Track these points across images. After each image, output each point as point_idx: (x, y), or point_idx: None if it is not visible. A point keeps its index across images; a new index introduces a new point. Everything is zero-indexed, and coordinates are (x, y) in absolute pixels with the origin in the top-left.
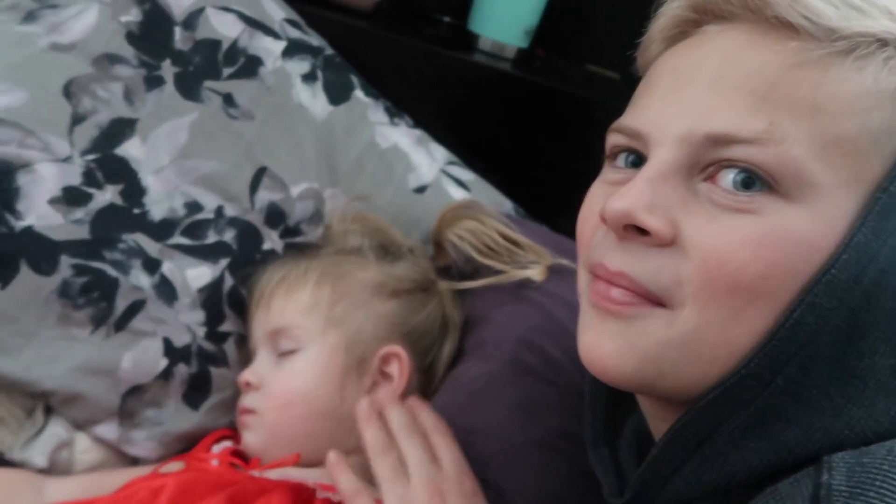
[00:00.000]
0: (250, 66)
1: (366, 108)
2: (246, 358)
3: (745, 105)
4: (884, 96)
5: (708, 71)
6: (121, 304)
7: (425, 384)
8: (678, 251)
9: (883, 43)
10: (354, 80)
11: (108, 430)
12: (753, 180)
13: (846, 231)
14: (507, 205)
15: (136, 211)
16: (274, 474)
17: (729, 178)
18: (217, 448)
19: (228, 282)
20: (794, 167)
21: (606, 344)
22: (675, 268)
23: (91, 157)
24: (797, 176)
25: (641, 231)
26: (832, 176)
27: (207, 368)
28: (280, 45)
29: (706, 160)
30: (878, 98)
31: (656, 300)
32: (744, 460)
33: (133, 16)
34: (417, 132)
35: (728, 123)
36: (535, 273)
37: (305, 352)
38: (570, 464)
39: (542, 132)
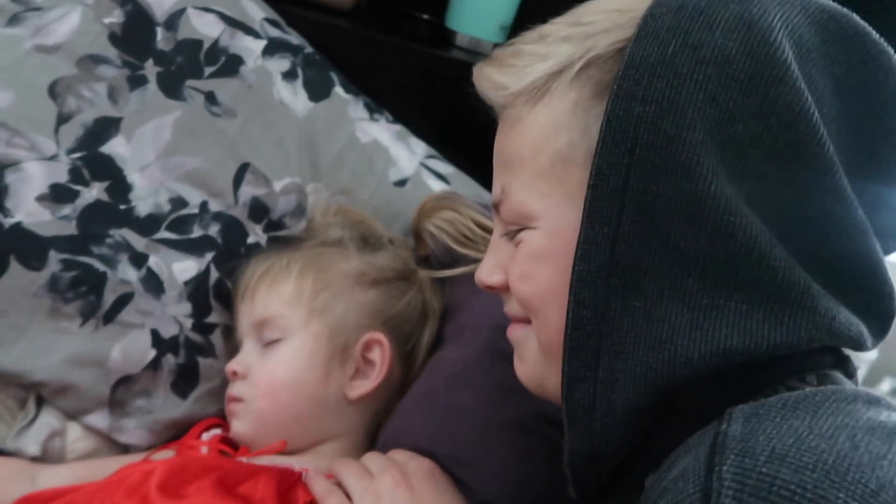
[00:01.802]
0: (231, 65)
1: (346, 104)
2: (233, 348)
3: (497, 177)
4: (560, 119)
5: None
6: (109, 298)
7: (406, 370)
8: None
9: (553, 76)
10: (334, 77)
11: (99, 419)
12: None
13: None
14: (485, 196)
15: (122, 207)
16: (261, 461)
17: None
18: (206, 436)
19: (214, 275)
20: (520, 208)
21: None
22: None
23: (77, 155)
24: (523, 214)
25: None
26: (547, 201)
27: (195, 358)
28: (260, 44)
29: (503, 221)
30: (556, 124)
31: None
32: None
33: (115, 17)
34: (397, 127)
35: (493, 195)
36: None
37: (290, 341)
38: (546, 444)
39: None
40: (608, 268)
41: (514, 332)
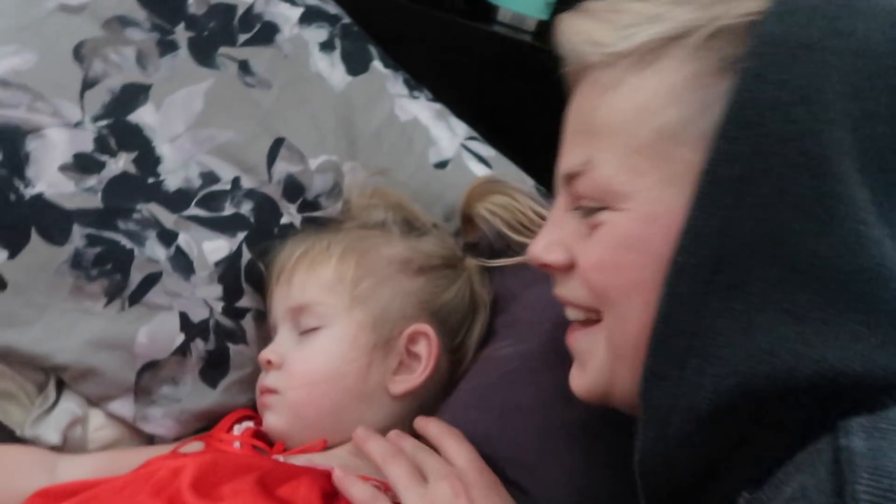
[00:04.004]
0: (266, 33)
1: (385, 79)
2: (265, 335)
3: (575, 145)
4: (673, 91)
5: (566, 121)
6: (136, 277)
7: (454, 366)
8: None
9: (669, 41)
10: (373, 50)
11: (124, 406)
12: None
13: (681, 221)
14: (528, 182)
15: (150, 180)
16: (299, 460)
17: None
18: (238, 429)
19: (246, 256)
20: (606, 185)
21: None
22: (580, 287)
23: (103, 122)
24: (609, 191)
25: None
26: (643, 180)
27: (225, 345)
28: (297, 12)
29: (574, 195)
30: (668, 95)
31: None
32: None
33: None
34: (437, 106)
35: (567, 164)
36: None
37: (329, 329)
38: (610, 449)
39: (564, 105)
40: (712, 264)
41: (577, 341)
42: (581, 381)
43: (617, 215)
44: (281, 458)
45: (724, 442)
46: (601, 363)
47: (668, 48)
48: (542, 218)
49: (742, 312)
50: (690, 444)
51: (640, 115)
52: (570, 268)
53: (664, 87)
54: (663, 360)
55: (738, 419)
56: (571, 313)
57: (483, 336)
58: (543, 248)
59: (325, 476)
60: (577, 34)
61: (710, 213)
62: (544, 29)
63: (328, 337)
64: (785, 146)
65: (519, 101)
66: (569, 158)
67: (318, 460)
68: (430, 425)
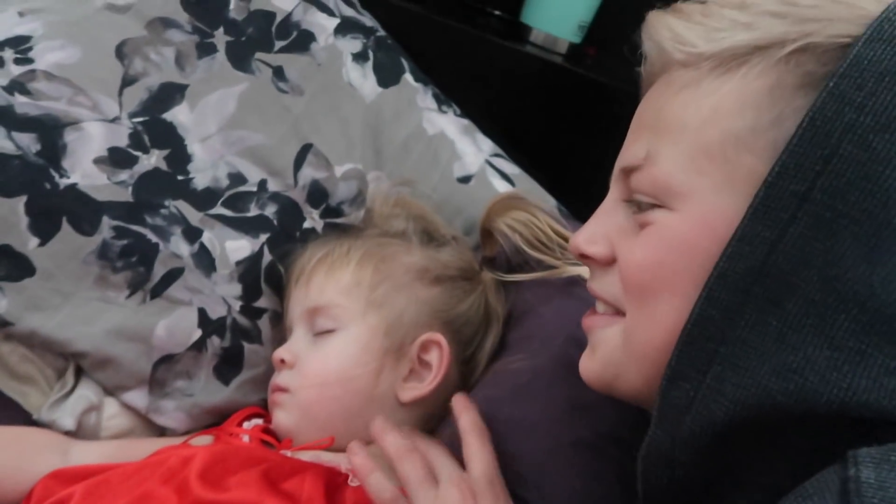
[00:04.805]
0: (303, 41)
1: (415, 92)
2: (280, 337)
3: (638, 139)
4: (750, 99)
5: (634, 117)
6: (159, 271)
7: (465, 377)
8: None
9: (757, 50)
10: (405, 63)
11: (138, 397)
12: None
13: (733, 229)
14: (550, 201)
15: (179, 178)
16: (306, 456)
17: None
18: (247, 426)
19: (267, 257)
20: (664, 182)
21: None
22: (617, 282)
23: (139, 119)
24: (666, 188)
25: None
26: (702, 182)
27: (241, 343)
28: (333, 22)
29: (630, 189)
30: (742, 102)
31: (616, 309)
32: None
33: None
34: (465, 121)
35: (628, 157)
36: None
37: (344, 332)
38: (620, 470)
39: (592, 130)
40: (755, 274)
41: (594, 328)
42: (589, 365)
43: (670, 216)
44: (289, 453)
45: (730, 457)
46: (612, 356)
47: (752, 56)
48: (561, 236)
49: (775, 328)
50: (696, 451)
51: (711, 115)
52: (609, 262)
53: (741, 94)
54: (687, 362)
55: (750, 435)
56: (600, 306)
57: (495, 349)
58: (585, 239)
59: (331, 472)
60: (666, 31)
61: (763, 224)
62: (575, 52)
63: (342, 339)
64: (855, 171)
65: (546, 121)
66: (630, 151)
67: (324, 457)
68: (463, 415)
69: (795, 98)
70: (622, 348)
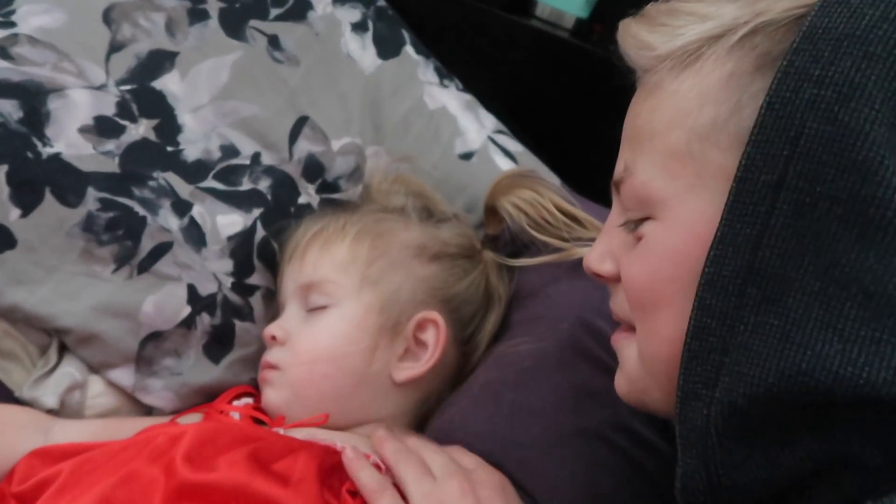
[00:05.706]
0: (299, 9)
1: (416, 65)
2: (273, 314)
3: (622, 150)
4: (708, 92)
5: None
6: (146, 245)
7: (463, 359)
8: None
9: (709, 41)
10: (406, 35)
11: (124, 375)
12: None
13: (712, 230)
14: (554, 181)
15: (169, 149)
16: (300, 434)
17: None
18: (237, 404)
19: (260, 233)
20: (643, 191)
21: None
22: (625, 300)
23: (127, 87)
24: (647, 198)
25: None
26: (676, 186)
27: (232, 321)
28: None
29: (622, 204)
30: (702, 96)
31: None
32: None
33: None
34: (467, 96)
35: (616, 171)
36: None
37: (337, 308)
38: (623, 459)
39: (598, 107)
40: (744, 275)
41: (618, 344)
42: (621, 383)
43: (657, 226)
44: (282, 430)
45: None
46: (634, 373)
47: (706, 48)
48: (567, 215)
49: (777, 328)
50: (736, 470)
51: (674, 117)
52: (619, 279)
53: (699, 89)
54: (693, 378)
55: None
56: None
57: (496, 330)
58: (596, 259)
59: (326, 451)
60: (630, 38)
61: (742, 222)
62: (582, 27)
63: (335, 316)
64: (827, 148)
65: (551, 98)
66: (617, 165)
67: (319, 435)
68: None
69: (753, 83)
70: (640, 367)
